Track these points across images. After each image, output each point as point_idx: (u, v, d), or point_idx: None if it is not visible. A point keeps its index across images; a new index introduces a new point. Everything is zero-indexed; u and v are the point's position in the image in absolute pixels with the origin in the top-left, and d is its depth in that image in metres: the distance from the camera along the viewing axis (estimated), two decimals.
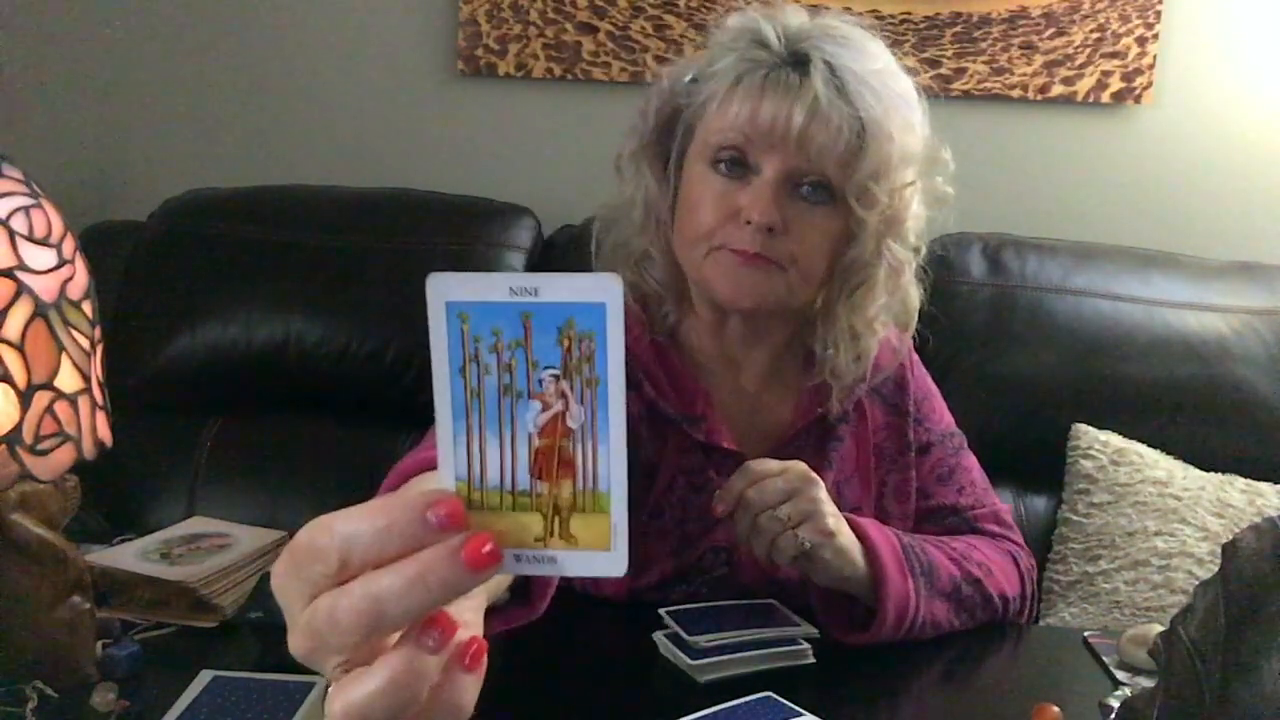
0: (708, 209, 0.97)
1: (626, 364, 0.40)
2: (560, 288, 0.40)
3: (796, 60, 0.95)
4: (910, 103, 0.99)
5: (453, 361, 0.40)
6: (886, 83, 0.97)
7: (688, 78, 1.01)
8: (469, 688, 0.42)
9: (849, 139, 0.94)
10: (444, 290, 0.40)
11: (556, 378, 0.40)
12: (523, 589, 0.62)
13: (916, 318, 1.08)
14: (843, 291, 1.01)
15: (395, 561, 0.39)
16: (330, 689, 0.40)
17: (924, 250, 1.06)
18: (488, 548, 0.39)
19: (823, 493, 0.92)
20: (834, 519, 0.92)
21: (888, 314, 1.05)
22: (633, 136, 1.05)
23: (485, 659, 0.43)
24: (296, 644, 0.41)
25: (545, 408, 0.41)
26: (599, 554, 0.41)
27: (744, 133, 0.95)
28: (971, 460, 1.14)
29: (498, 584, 0.58)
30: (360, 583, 0.39)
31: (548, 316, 0.40)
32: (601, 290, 0.39)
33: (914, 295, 1.06)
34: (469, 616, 0.44)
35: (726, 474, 1.00)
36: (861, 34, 0.99)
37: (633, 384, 1.01)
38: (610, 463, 0.41)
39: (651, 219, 1.03)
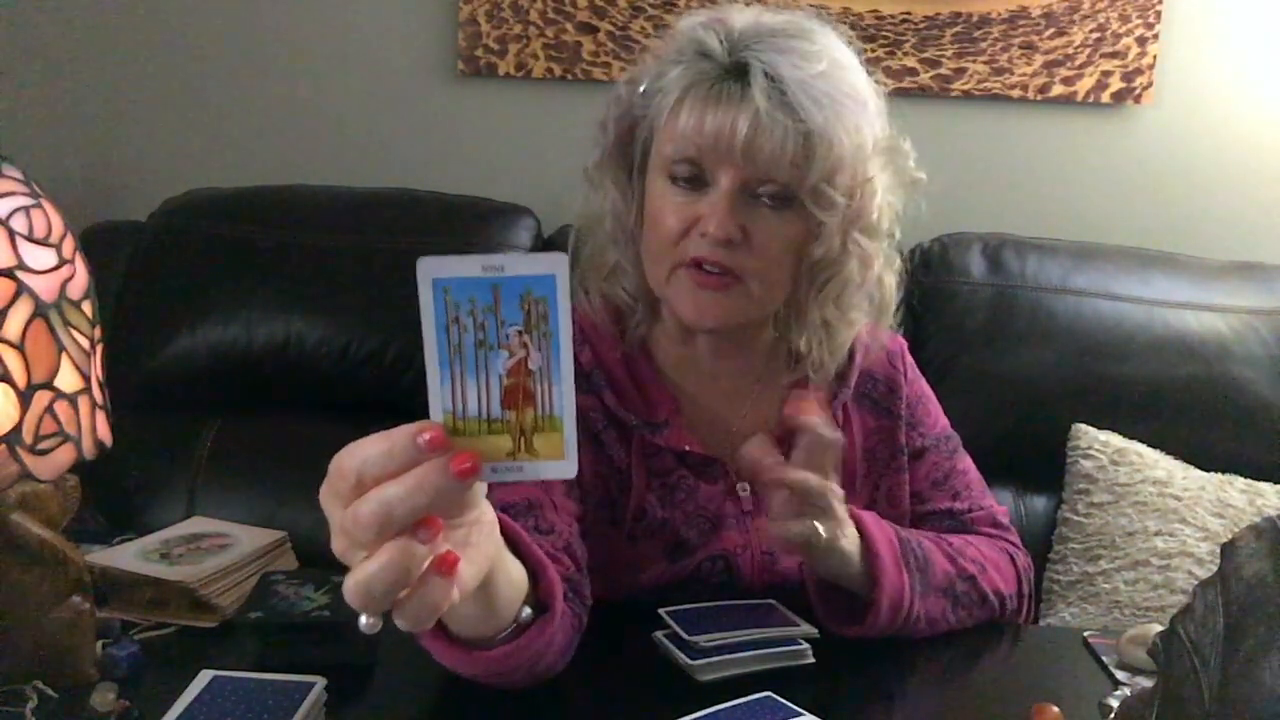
0: (669, 221, 0.97)
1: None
2: (520, 264, 0.51)
3: (738, 70, 0.95)
4: (860, 100, 0.97)
5: (439, 323, 0.52)
6: (834, 84, 0.95)
7: (640, 89, 1.01)
8: (442, 588, 0.54)
9: (794, 148, 0.93)
10: (430, 269, 0.51)
11: (520, 332, 0.52)
12: (539, 604, 0.75)
13: (893, 308, 1.07)
14: (811, 288, 1.01)
15: (398, 476, 0.51)
16: (346, 576, 0.53)
17: (898, 235, 1.04)
18: (470, 462, 0.51)
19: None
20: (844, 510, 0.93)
21: (861, 303, 1.04)
22: (596, 148, 1.05)
23: (457, 570, 0.55)
24: (336, 545, 0.54)
25: (512, 355, 0.52)
26: (555, 462, 0.53)
27: (695, 145, 0.95)
28: (968, 462, 1.14)
29: (518, 598, 0.72)
30: (374, 490, 0.51)
31: (512, 287, 0.51)
32: (551, 265, 0.51)
33: (888, 284, 1.05)
34: (482, 541, 0.59)
35: (704, 477, 1.03)
36: (805, 30, 0.97)
37: (594, 392, 1.02)
38: (562, 394, 0.53)
39: (621, 232, 1.03)
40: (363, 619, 0.55)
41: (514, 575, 0.70)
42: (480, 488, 0.57)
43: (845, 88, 0.96)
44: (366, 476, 0.52)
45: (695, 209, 0.96)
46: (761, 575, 1.02)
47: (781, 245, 0.97)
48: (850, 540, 0.93)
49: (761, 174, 0.95)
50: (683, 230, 0.96)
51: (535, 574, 0.74)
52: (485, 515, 0.60)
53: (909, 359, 1.15)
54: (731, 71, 0.95)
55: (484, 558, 0.60)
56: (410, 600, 0.54)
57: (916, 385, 1.15)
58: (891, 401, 1.11)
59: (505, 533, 0.65)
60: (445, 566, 0.54)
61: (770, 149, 0.93)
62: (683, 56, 0.98)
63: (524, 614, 0.73)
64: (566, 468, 0.53)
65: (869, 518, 0.97)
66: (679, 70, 0.97)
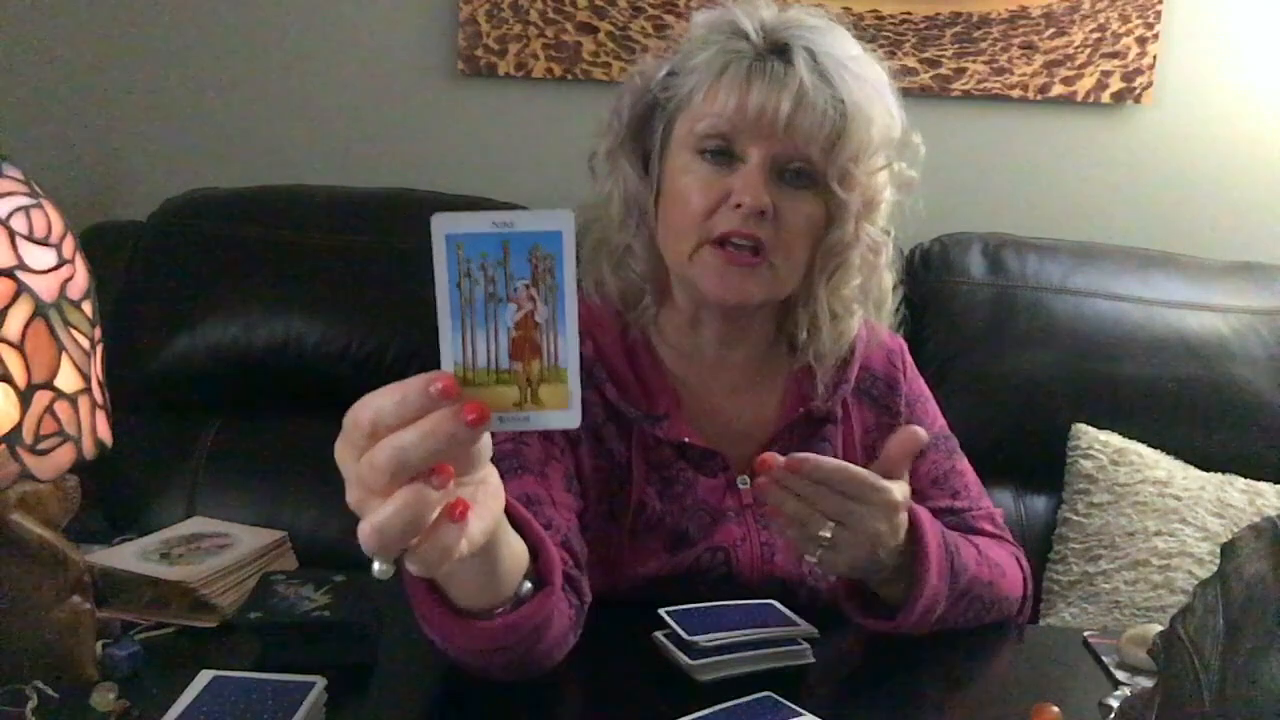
0: (697, 196, 0.98)
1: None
2: (529, 221, 0.54)
3: (778, 49, 0.97)
4: (884, 88, 1.01)
5: (451, 278, 0.54)
6: (863, 68, 0.99)
7: (663, 73, 1.03)
8: (453, 534, 0.57)
9: (833, 122, 0.96)
10: (444, 225, 0.54)
11: (528, 286, 0.54)
12: (539, 580, 0.76)
13: (889, 304, 1.09)
14: (822, 273, 1.03)
15: (409, 425, 0.53)
16: (360, 522, 0.55)
17: (893, 233, 1.06)
18: (480, 410, 0.54)
19: (890, 518, 0.90)
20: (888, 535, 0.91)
21: (863, 295, 1.06)
22: (607, 135, 1.06)
23: (468, 517, 0.57)
24: (350, 496, 0.56)
25: (519, 308, 0.55)
26: (559, 412, 0.56)
27: (731, 121, 0.97)
28: (965, 463, 1.15)
29: (520, 570, 0.74)
30: (389, 438, 0.54)
31: (521, 242, 0.54)
32: (558, 221, 0.54)
33: (888, 279, 1.07)
34: (488, 500, 0.61)
35: (703, 470, 1.03)
36: (831, 24, 1.01)
37: (595, 385, 1.02)
38: (567, 346, 0.55)
39: (633, 213, 1.04)
40: (376, 565, 0.56)
41: (516, 547, 0.72)
42: (486, 448, 0.59)
43: (874, 74, 1.00)
44: (380, 425, 0.54)
45: (724, 184, 0.97)
46: (760, 568, 1.03)
47: (804, 223, 0.99)
48: (887, 556, 0.92)
49: (794, 151, 0.97)
50: (710, 207, 0.98)
51: (535, 551, 0.76)
52: (490, 477, 0.62)
53: (908, 358, 1.16)
54: (770, 50, 0.97)
55: (490, 515, 0.62)
56: (423, 545, 0.56)
57: (915, 384, 1.15)
58: (890, 399, 1.11)
59: (507, 510, 0.67)
60: (457, 513, 0.56)
61: (811, 124, 0.95)
62: (715, 37, 1.00)
63: (524, 588, 0.75)
64: (570, 417, 0.56)
65: (927, 521, 0.95)
66: (713, 50, 0.99)
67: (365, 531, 0.54)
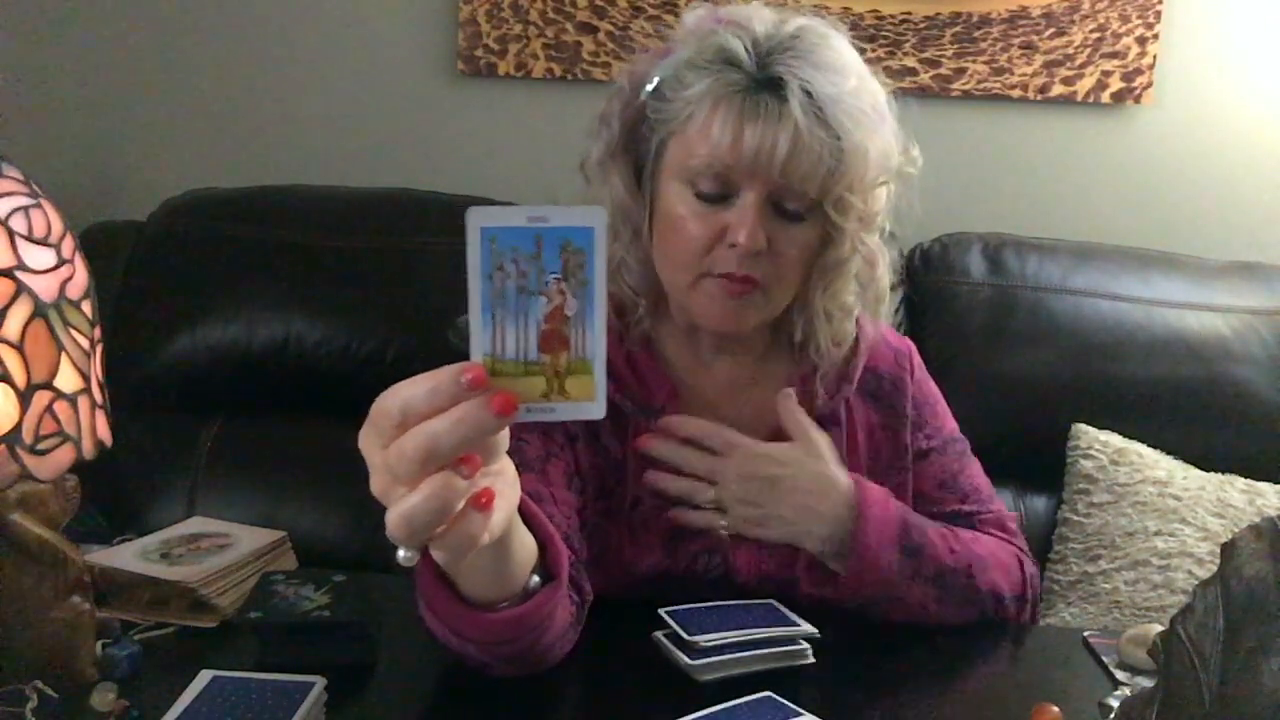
0: (692, 231, 0.97)
1: None
2: (562, 216, 0.55)
3: (771, 83, 0.94)
4: (882, 113, 0.99)
5: (484, 269, 0.55)
6: (861, 100, 0.96)
7: (651, 86, 1.01)
8: (478, 522, 0.58)
9: (830, 163, 0.94)
10: (479, 219, 0.55)
11: (558, 280, 0.56)
12: (546, 572, 0.78)
13: (888, 298, 1.08)
14: (818, 285, 1.03)
15: (439, 414, 0.55)
16: (388, 510, 0.56)
17: (888, 228, 1.06)
18: (508, 400, 0.55)
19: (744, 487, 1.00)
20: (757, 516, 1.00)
21: (860, 292, 1.06)
22: (598, 143, 1.04)
23: (493, 506, 0.59)
24: (376, 484, 0.57)
25: (549, 301, 0.56)
26: (585, 404, 0.57)
27: (726, 160, 0.94)
28: (976, 466, 1.14)
29: (529, 563, 0.75)
30: (419, 426, 0.55)
31: (553, 237, 0.55)
32: (591, 218, 0.56)
33: (886, 279, 1.07)
34: (507, 490, 0.62)
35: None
36: (825, 37, 0.98)
37: None
38: (594, 339, 0.57)
39: (627, 228, 1.03)
40: (401, 553, 0.58)
41: (526, 540, 0.73)
42: (504, 439, 0.60)
43: (872, 101, 0.97)
44: (410, 414, 0.55)
45: (720, 219, 0.96)
46: (758, 567, 1.03)
47: (799, 252, 0.99)
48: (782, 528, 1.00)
49: (792, 187, 0.95)
50: (707, 243, 0.97)
51: (543, 546, 0.77)
52: (507, 468, 0.63)
53: (917, 360, 1.16)
54: (764, 84, 0.94)
55: (508, 505, 0.63)
56: (449, 533, 0.57)
57: (924, 386, 1.15)
58: (896, 399, 1.11)
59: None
60: (482, 501, 0.58)
61: (807, 165, 0.94)
62: (706, 62, 0.97)
63: (532, 582, 0.76)
64: (595, 409, 0.57)
65: (875, 492, 1.01)
66: (706, 80, 0.96)
67: (394, 520, 0.55)
